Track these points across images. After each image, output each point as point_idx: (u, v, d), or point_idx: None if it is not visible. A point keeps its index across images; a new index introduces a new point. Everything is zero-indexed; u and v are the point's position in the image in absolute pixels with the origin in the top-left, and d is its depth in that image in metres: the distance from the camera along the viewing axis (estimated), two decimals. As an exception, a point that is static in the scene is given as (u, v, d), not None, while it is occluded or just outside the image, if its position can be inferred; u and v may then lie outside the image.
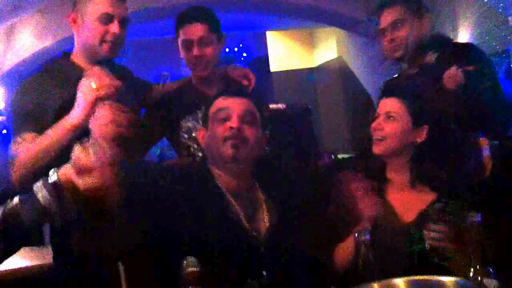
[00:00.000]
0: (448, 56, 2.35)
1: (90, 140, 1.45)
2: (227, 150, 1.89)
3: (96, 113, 1.85)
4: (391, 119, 2.01)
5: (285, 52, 9.14)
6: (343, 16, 6.32)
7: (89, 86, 1.91)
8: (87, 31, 2.16)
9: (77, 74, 2.12)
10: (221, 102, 1.97)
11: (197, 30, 2.46)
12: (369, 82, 7.06)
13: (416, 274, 1.51)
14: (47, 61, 2.38)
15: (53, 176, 1.43)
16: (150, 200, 1.83)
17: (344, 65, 8.10)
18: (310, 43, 9.31)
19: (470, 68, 2.22)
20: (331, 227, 1.98)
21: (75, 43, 2.25)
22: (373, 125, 2.05)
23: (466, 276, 1.47)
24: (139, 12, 5.59)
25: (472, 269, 1.46)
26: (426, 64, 2.40)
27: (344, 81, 8.22)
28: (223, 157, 1.90)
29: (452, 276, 1.45)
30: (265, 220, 1.92)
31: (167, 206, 1.82)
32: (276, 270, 1.79)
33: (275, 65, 8.90)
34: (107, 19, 2.14)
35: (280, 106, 2.38)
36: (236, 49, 8.52)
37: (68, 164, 1.44)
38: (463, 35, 5.48)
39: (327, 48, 8.80)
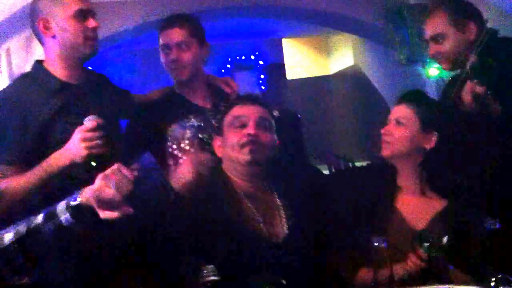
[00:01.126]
0: (487, 56, 2.16)
1: (110, 170, 1.44)
2: (245, 156, 1.91)
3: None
4: (400, 124, 2.03)
5: (301, 59, 9.15)
6: (360, 23, 6.31)
7: (86, 138, 1.93)
8: (66, 33, 2.11)
9: (53, 84, 2.12)
10: (237, 111, 2.00)
11: (174, 34, 2.47)
12: (385, 89, 7.03)
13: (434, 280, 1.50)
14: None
15: (75, 201, 1.44)
16: (166, 206, 1.83)
17: (361, 72, 8.08)
18: (326, 50, 9.31)
19: (481, 89, 2.07)
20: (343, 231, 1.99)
21: (48, 50, 2.18)
22: (383, 130, 2.07)
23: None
24: (150, 20, 5.63)
25: (493, 278, 1.44)
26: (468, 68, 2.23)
27: (361, 89, 8.20)
28: (240, 162, 1.91)
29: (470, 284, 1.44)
30: (282, 225, 1.92)
31: (184, 211, 1.83)
32: (293, 274, 1.79)
33: (291, 73, 8.90)
34: (82, 15, 2.12)
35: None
36: (252, 56, 8.54)
37: (89, 189, 1.44)
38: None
39: (343, 55, 8.80)
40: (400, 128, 2.04)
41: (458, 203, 1.96)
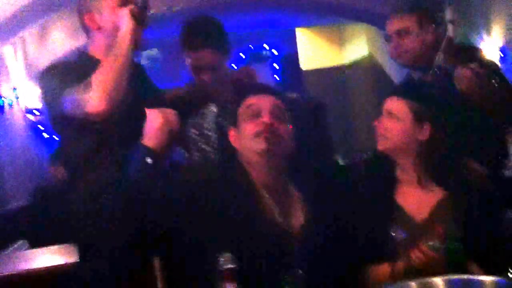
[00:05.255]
0: (453, 58, 2.46)
1: None
2: (260, 144, 1.90)
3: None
4: (392, 117, 2.03)
5: (315, 50, 9.12)
6: (373, 12, 6.27)
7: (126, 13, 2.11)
8: (110, 23, 2.16)
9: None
10: (251, 100, 1.99)
11: (206, 57, 2.45)
12: (400, 79, 7.00)
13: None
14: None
15: None
16: (184, 198, 1.85)
17: (375, 62, 8.04)
18: (340, 40, 9.27)
19: (476, 67, 2.33)
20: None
21: (93, 42, 2.25)
22: (376, 122, 2.08)
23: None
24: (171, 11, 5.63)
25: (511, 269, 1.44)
26: (434, 67, 2.50)
27: (375, 79, 8.17)
28: (256, 152, 1.91)
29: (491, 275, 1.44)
30: (299, 216, 1.93)
31: (201, 203, 1.84)
32: (309, 267, 1.80)
33: (305, 63, 8.88)
34: (125, 2, 2.16)
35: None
36: (266, 47, 8.52)
37: None
38: (496, 31, 5.42)
39: (357, 45, 8.76)
40: (393, 121, 2.04)
41: (461, 192, 1.97)
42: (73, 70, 2.12)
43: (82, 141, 2.15)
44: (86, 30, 2.25)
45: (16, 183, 5.67)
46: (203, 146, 2.49)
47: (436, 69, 2.47)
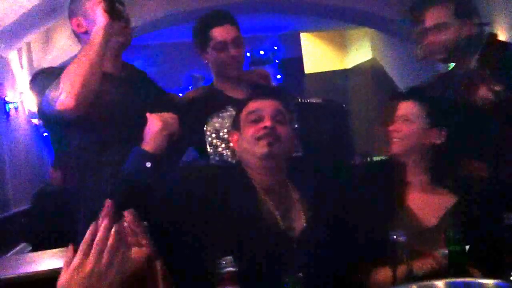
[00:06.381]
0: (488, 58, 2.29)
1: None
2: (262, 149, 1.91)
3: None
4: (408, 121, 2.04)
5: (318, 54, 9.14)
6: (377, 16, 6.28)
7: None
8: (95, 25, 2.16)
9: None
10: (253, 105, 2.01)
11: (230, 31, 2.47)
12: (403, 83, 7.01)
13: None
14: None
15: None
16: (185, 200, 1.85)
17: (378, 66, 8.05)
18: (344, 44, 9.29)
19: (498, 87, 2.13)
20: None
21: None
22: (391, 128, 2.07)
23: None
24: (171, 14, 5.65)
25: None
26: (470, 67, 2.33)
27: (378, 83, 8.17)
28: (258, 156, 1.92)
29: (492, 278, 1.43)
30: (299, 219, 1.93)
31: (202, 205, 1.84)
32: (310, 269, 1.80)
33: (309, 67, 8.89)
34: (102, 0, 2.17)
35: (317, 100, 2.39)
36: (271, 51, 8.53)
37: None
38: (501, 34, 5.42)
39: (361, 49, 8.77)
40: (408, 125, 2.04)
41: (469, 198, 1.96)
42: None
43: (83, 141, 2.18)
44: (76, 35, 2.26)
45: (19, 186, 5.69)
46: (222, 150, 2.48)
47: (465, 74, 2.28)
